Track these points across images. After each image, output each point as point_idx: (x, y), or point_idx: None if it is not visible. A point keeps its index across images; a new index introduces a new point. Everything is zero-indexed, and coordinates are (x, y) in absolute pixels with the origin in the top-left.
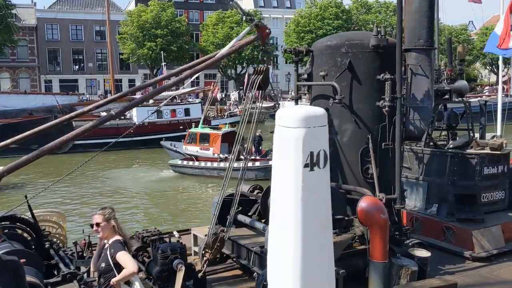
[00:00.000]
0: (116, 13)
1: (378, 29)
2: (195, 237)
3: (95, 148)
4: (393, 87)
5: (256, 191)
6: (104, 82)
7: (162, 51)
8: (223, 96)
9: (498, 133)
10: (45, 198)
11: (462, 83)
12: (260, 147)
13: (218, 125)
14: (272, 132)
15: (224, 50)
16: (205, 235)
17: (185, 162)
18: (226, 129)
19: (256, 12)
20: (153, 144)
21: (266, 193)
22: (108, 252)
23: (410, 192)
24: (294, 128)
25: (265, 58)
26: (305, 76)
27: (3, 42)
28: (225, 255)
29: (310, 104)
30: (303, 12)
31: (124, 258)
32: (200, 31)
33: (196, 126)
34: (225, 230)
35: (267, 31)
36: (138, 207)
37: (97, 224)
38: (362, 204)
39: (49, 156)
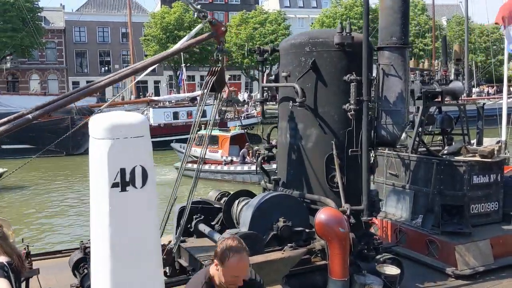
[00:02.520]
0: (141, 15)
1: (343, 25)
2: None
3: None
4: (360, 88)
5: (224, 199)
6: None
7: (183, 53)
8: (247, 97)
9: (503, 137)
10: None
11: (457, 84)
12: None
13: (229, 127)
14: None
15: (174, 48)
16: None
17: (189, 165)
18: (236, 131)
19: (280, 12)
20: (168, 145)
21: (230, 201)
22: None
23: (396, 201)
24: (99, 140)
25: (220, 58)
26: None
27: (30, 45)
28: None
29: (278, 107)
30: (328, 11)
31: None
32: None
33: (205, 128)
34: (174, 242)
35: (222, 28)
36: None
37: None
38: (321, 216)
39: (68, 158)
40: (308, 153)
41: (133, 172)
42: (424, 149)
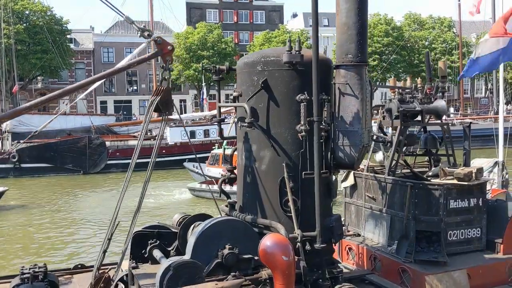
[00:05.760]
0: (166, 35)
1: (291, 43)
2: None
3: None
4: (311, 109)
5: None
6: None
7: (204, 72)
8: None
9: (500, 158)
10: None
11: (440, 103)
12: None
13: None
14: None
15: (117, 66)
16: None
17: (203, 186)
18: None
19: (303, 31)
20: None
21: (186, 225)
22: None
23: (374, 225)
24: None
25: (165, 78)
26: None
27: (59, 65)
28: None
29: (235, 127)
30: None
31: None
32: (248, 51)
33: (220, 147)
34: (116, 269)
35: (168, 47)
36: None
37: None
38: (266, 242)
39: (86, 175)
40: (262, 175)
41: None
42: (409, 170)
